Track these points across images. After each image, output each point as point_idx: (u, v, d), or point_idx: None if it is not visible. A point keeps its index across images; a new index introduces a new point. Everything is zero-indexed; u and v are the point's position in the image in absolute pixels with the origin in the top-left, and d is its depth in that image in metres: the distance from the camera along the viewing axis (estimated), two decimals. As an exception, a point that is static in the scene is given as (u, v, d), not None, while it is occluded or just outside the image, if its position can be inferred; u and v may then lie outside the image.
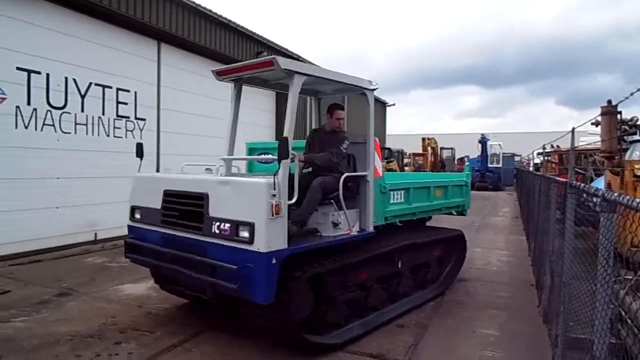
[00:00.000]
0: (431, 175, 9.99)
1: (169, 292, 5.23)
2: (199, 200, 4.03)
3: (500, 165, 29.82)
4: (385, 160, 19.85)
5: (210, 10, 11.78)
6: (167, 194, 4.43)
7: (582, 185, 3.35)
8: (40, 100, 8.14)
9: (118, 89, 9.65)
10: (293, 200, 3.88)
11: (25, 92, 7.95)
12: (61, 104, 8.49)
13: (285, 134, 3.82)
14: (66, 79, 8.55)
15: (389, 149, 21.90)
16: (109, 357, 3.98)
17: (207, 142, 11.51)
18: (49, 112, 8.26)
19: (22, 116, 7.88)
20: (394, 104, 30.49)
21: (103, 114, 9.35)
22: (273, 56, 4.02)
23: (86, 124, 8.95)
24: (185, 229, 4.15)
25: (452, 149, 34.12)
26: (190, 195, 4.18)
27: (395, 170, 21.28)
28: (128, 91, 9.88)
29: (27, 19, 7.89)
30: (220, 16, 12.23)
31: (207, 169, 5.54)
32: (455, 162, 33.40)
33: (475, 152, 30.72)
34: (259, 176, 4.22)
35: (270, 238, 3.60)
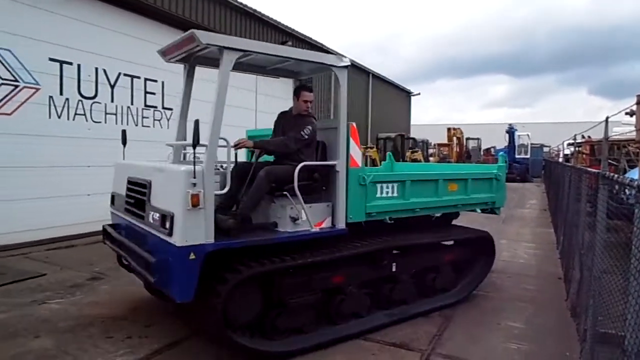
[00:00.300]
0: (445, 166, 8.88)
1: None
2: (144, 188, 3.90)
3: (528, 156, 29.13)
4: (410, 151, 19.66)
5: (236, 0, 11.83)
6: (129, 181, 4.29)
7: (615, 176, 3.25)
8: (72, 91, 8.37)
9: (146, 79, 9.83)
10: (223, 191, 3.65)
11: (58, 83, 8.19)
12: (92, 94, 8.71)
13: (213, 116, 3.54)
14: (96, 69, 8.76)
15: (413, 139, 21.68)
16: (140, 339, 4.12)
17: (234, 132, 11.61)
18: (80, 102, 8.49)
19: (55, 106, 8.12)
20: (419, 94, 30.17)
21: (132, 103, 9.55)
22: (192, 30, 3.59)
23: (115, 114, 9.17)
24: (135, 217, 4.05)
25: (478, 139, 33.49)
26: (139, 182, 4.05)
27: (420, 161, 21.08)
28: (156, 81, 10.05)
29: (59, 10, 8.09)
30: (246, 6, 12.27)
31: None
32: (482, 152, 32.81)
33: (502, 142, 30.09)
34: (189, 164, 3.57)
35: (188, 231, 3.31)
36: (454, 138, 29.67)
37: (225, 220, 3.63)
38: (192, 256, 3.32)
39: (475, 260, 5.77)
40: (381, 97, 23.43)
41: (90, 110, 8.65)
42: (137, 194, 4.06)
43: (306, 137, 4.20)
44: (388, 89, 24.92)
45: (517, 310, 5.21)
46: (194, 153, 3.32)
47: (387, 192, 4.67)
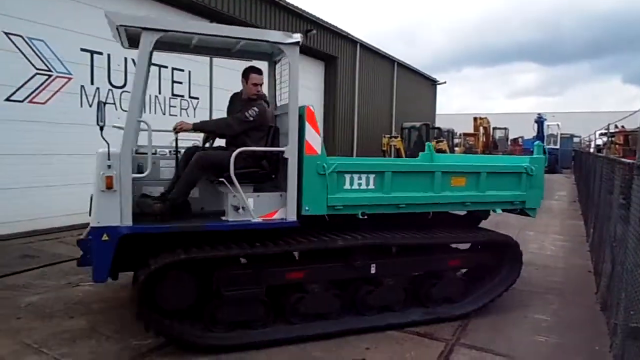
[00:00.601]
0: (449, 157, 8.01)
1: None
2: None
3: (557, 147, 28.38)
4: (435, 140, 19.40)
5: (261, -11, 11.83)
6: None
7: (652, 167, 3.14)
8: (102, 80, 8.57)
9: (173, 69, 9.97)
10: (143, 175, 3.64)
11: (89, 72, 8.39)
12: (121, 83, 8.89)
13: (130, 99, 3.56)
14: (125, 59, 8.92)
15: (438, 128, 21.35)
16: (169, 322, 4.23)
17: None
18: (110, 91, 8.69)
19: (86, 95, 8.34)
20: (444, 82, 29.61)
21: (159, 92, 9.71)
22: (105, 12, 3.53)
23: (144, 103, 9.33)
24: None
25: (505, 129, 32.73)
26: None
27: (445, 151, 20.79)
28: (182, 70, 10.19)
29: (90, 1, 8.25)
30: (270, -6, 12.26)
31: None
32: (509, 142, 32.09)
33: (530, 132, 29.35)
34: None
35: (101, 213, 3.39)
36: (481, 128, 29.09)
37: (151, 205, 3.64)
38: (105, 237, 3.38)
39: (493, 269, 4.89)
40: (406, 86, 23.12)
41: (120, 99, 8.84)
42: None
43: (251, 118, 4.01)
44: (413, 77, 24.57)
45: (544, 303, 5.13)
46: (102, 135, 3.28)
47: (360, 184, 4.15)
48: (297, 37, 3.91)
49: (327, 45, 15.73)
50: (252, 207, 3.80)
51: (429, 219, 4.69)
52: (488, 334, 4.24)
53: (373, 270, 4.26)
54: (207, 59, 10.99)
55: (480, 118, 29.30)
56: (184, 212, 3.92)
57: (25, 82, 7.43)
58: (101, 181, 3.38)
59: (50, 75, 7.76)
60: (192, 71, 10.43)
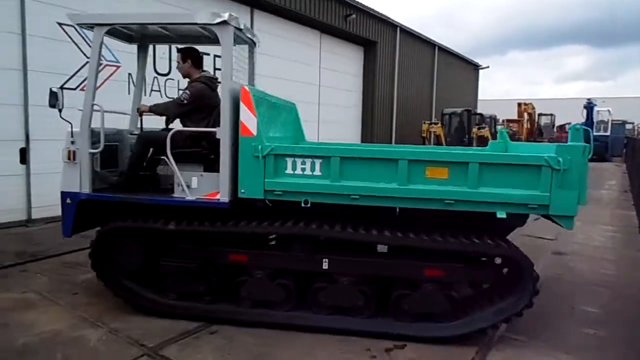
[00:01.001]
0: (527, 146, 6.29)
1: None
2: None
3: (607, 134, 26.99)
4: (477, 127, 18.90)
5: (301, -26, 11.79)
6: None
7: None
8: (149, 68, 8.80)
9: (215, 56, 10.11)
10: (96, 150, 4.13)
11: (136, 60, 8.64)
12: (166, 71, 9.14)
13: (87, 84, 4.30)
14: (170, 47, 9.13)
15: (480, 114, 20.78)
16: (214, 302, 4.38)
17: (300, 108, 11.78)
18: (155, 79, 8.96)
19: (133, 83, 8.60)
20: (487, 67, 28.72)
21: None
22: (67, 13, 4.05)
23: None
24: None
25: (551, 115, 31.49)
26: None
27: (487, 138, 20.24)
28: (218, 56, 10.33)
29: (136, -10, 8.50)
30: (310, -21, 12.19)
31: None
32: (555, 129, 30.85)
33: (579, 118, 28.07)
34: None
35: (65, 181, 4.15)
36: (525, 114, 28.10)
37: (110, 177, 4.34)
38: (68, 200, 4.14)
39: (492, 291, 4.02)
40: (447, 71, 22.55)
41: (165, 86, 9.09)
42: None
43: (185, 102, 4.18)
44: (454, 62, 23.91)
45: (593, 295, 4.96)
46: (61, 117, 4.00)
47: (304, 169, 3.81)
48: (225, 16, 3.88)
49: (367, 30, 15.52)
50: (194, 185, 4.00)
51: (434, 217, 3.90)
52: (533, 325, 4.14)
53: (325, 266, 3.92)
54: (246, 47, 11.12)
55: (525, 104, 28.29)
56: (150, 186, 4.41)
57: (77, 71, 7.77)
58: (64, 154, 4.13)
59: (100, 64, 8.05)
60: (234, 58, 10.56)
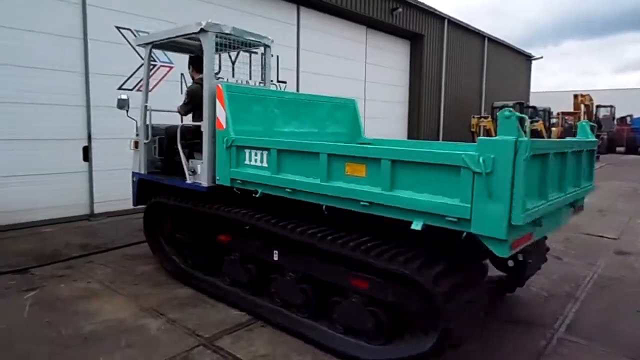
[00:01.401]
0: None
1: None
2: None
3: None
4: (530, 120, 18.16)
5: (347, -31, 11.74)
6: None
7: None
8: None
9: (262, 54, 10.29)
10: (147, 141, 5.25)
11: (187, 61, 8.94)
12: (215, 70, 9.36)
13: (144, 90, 5.50)
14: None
15: (533, 107, 19.91)
16: (265, 296, 4.48)
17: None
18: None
19: (185, 82, 8.91)
20: (540, 57, 27.46)
21: (250, 78, 10.09)
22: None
23: (236, 88, 9.81)
24: None
25: (611, 107, 29.64)
26: None
27: (540, 132, 19.38)
28: (272, 55, 10.48)
29: (188, -7, 8.79)
30: (356, -26, 12.12)
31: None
32: (615, 122, 29.06)
33: (641, 110, 26.31)
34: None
35: (133, 163, 5.51)
36: (582, 105, 26.63)
37: (158, 163, 5.39)
38: (133, 178, 5.56)
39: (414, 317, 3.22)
40: (497, 63, 21.76)
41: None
42: None
43: (185, 101, 5.03)
44: (505, 53, 23.01)
45: (660, 298, 4.66)
46: (128, 116, 5.26)
47: (257, 161, 3.96)
48: (203, 23, 4.47)
49: (413, 23, 15.25)
50: (198, 171, 4.59)
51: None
52: (593, 328, 3.96)
53: (276, 257, 3.97)
54: (295, 44, 11.24)
55: (582, 95, 26.79)
56: (179, 170, 4.96)
57: (134, 72, 8.14)
58: (132, 144, 5.54)
59: (154, 65, 8.41)
60: (281, 56, 10.70)
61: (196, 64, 5.10)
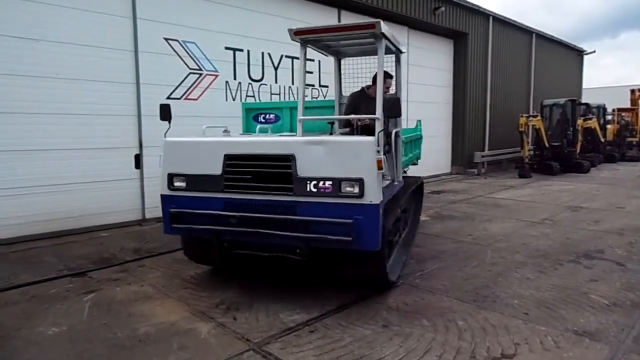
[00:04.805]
0: None
1: (200, 261, 5.41)
2: (286, 161, 4.08)
3: None
4: (582, 118, 17.27)
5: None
6: (231, 158, 4.30)
7: None
8: (243, 75, 9.30)
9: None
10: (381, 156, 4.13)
11: (232, 69, 9.17)
12: (259, 77, 9.55)
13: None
14: (262, 54, 9.55)
15: (586, 104, 18.92)
16: (312, 301, 4.48)
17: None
18: (249, 85, 9.41)
19: (230, 90, 9.13)
20: (593, 51, 26.11)
21: (292, 83, 10.21)
22: (378, 20, 4.34)
23: (279, 94, 9.93)
24: (266, 191, 4.16)
25: (673, 101, 27.71)
26: (269, 157, 4.19)
27: (595, 130, 18.40)
28: (313, 60, 10.51)
29: (232, 2, 8.98)
30: (397, -25, 11.99)
31: (224, 131, 5.21)
32: (678, 117, 27.12)
33: None
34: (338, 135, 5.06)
35: (379, 191, 3.94)
36: (639, 101, 25.08)
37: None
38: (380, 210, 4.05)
39: None
40: (546, 59, 20.86)
41: (259, 91, 9.51)
42: (264, 169, 4.17)
43: None
44: (555, 49, 22.03)
45: None
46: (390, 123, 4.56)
47: None
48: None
49: (457, 21, 14.90)
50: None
51: None
52: None
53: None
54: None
55: (639, 90, 25.24)
56: None
57: (182, 82, 8.41)
58: (375, 164, 4.15)
59: (200, 74, 8.67)
60: (322, 61, 10.72)
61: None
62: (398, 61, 5.47)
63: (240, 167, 4.26)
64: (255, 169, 4.21)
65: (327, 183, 3.95)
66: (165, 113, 4.76)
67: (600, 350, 3.50)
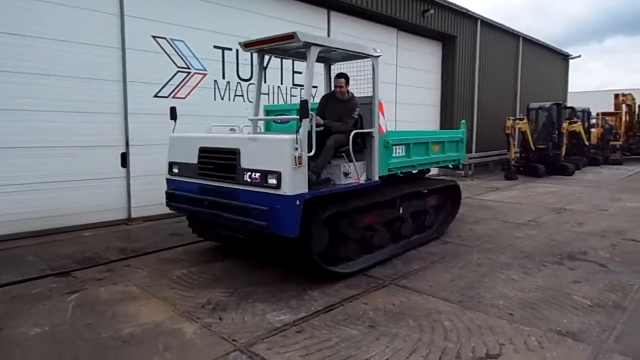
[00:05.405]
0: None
1: (201, 237, 6.33)
2: (230, 154, 4.85)
3: None
4: (567, 122, 17.52)
5: (377, -28, 11.68)
6: (205, 150, 5.21)
7: None
8: (232, 74, 9.25)
9: (294, 60, 10.34)
10: (311, 153, 4.61)
11: (221, 68, 9.11)
12: (248, 76, 9.50)
13: (304, 97, 4.60)
14: (251, 53, 9.47)
15: (571, 108, 19.19)
16: (300, 301, 4.47)
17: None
18: (238, 84, 9.36)
19: (218, 89, 9.08)
20: (578, 56, 26.51)
21: (281, 83, 10.19)
22: (294, 31, 4.77)
23: (268, 93, 9.89)
24: (219, 179, 4.98)
25: (655, 106, 28.27)
26: (223, 150, 4.98)
27: (580, 133, 18.68)
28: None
29: (222, 1, 8.93)
30: (386, -23, 12.04)
31: (231, 129, 6.30)
32: (660, 122, 27.66)
33: (690, 109, 24.97)
34: (280, 134, 5.19)
35: (295, 184, 4.39)
36: (623, 105, 25.55)
37: (309, 176, 4.67)
38: (297, 202, 4.48)
39: None
40: (533, 63, 21.12)
41: (247, 91, 9.46)
42: (219, 160, 4.99)
43: (357, 117, 5.50)
44: (541, 53, 22.32)
45: None
46: (301, 124, 4.49)
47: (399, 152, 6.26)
48: (380, 52, 5.86)
49: (445, 24, 15.00)
50: (359, 172, 5.30)
51: None
52: (644, 340, 3.75)
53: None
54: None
55: (623, 94, 25.70)
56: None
57: (169, 80, 8.34)
58: (293, 160, 4.50)
59: (189, 73, 8.60)
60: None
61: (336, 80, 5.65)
62: (375, 67, 5.73)
63: (207, 158, 5.17)
64: (215, 160, 5.06)
65: (257, 174, 4.62)
66: (173, 114, 5.67)
67: (583, 351, 3.56)
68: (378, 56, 5.69)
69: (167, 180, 5.78)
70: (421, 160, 6.79)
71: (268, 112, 7.30)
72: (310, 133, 4.64)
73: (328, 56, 6.23)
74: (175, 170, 5.63)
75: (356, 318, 4.13)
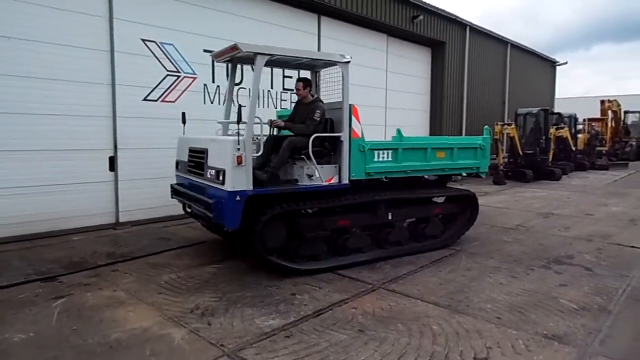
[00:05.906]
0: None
1: (209, 230, 6.92)
2: (202, 154, 5.45)
3: None
4: (554, 127, 17.75)
5: (367, -22, 11.76)
6: (191, 150, 5.88)
7: None
8: (222, 78, 9.23)
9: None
10: (259, 154, 5.21)
11: (210, 72, 9.09)
12: (238, 80, 9.46)
13: (249, 104, 5.12)
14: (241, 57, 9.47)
15: (558, 114, 19.45)
16: (290, 305, 4.46)
17: (367, 112, 11.74)
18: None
19: (208, 93, 9.06)
20: (565, 63, 26.93)
21: (271, 87, 10.19)
22: (235, 42, 5.18)
23: (258, 98, 9.86)
24: (196, 175, 5.64)
25: (640, 112, 28.79)
26: (199, 150, 5.58)
27: (566, 138, 18.91)
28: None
29: (211, 5, 8.93)
30: (376, -18, 12.13)
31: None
32: (645, 127, 28.16)
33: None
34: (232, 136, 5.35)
35: (235, 181, 4.85)
36: (609, 111, 25.97)
37: (260, 175, 5.11)
38: (238, 198, 4.88)
39: None
40: (521, 69, 21.40)
41: (237, 95, 9.43)
42: (197, 159, 5.62)
43: (317, 119, 5.60)
44: (529, 59, 22.63)
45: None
46: (238, 128, 4.84)
47: (383, 157, 6.06)
48: (349, 57, 5.75)
49: (435, 30, 15.14)
50: (322, 175, 5.48)
51: None
52: (630, 343, 3.81)
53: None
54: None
55: (609, 100, 26.15)
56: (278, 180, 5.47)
57: (159, 83, 8.30)
58: (235, 159, 4.92)
59: (178, 76, 8.57)
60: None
61: (310, 85, 6.03)
62: (344, 73, 5.70)
63: (192, 157, 5.82)
64: (196, 159, 5.68)
65: (213, 172, 5.13)
66: (183, 118, 6.33)
67: (569, 354, 3.60)
68: (347, 62, 5.70)
69: (176, 175, 6.59)
70: (417, 166, 6.40)
71: (280, 117, 7.35)
72: (273, 136, 5.53)
73: (304, 63, 6.30)
74: (179, 167, 6.41)
75: (345, 322, 4.14)
